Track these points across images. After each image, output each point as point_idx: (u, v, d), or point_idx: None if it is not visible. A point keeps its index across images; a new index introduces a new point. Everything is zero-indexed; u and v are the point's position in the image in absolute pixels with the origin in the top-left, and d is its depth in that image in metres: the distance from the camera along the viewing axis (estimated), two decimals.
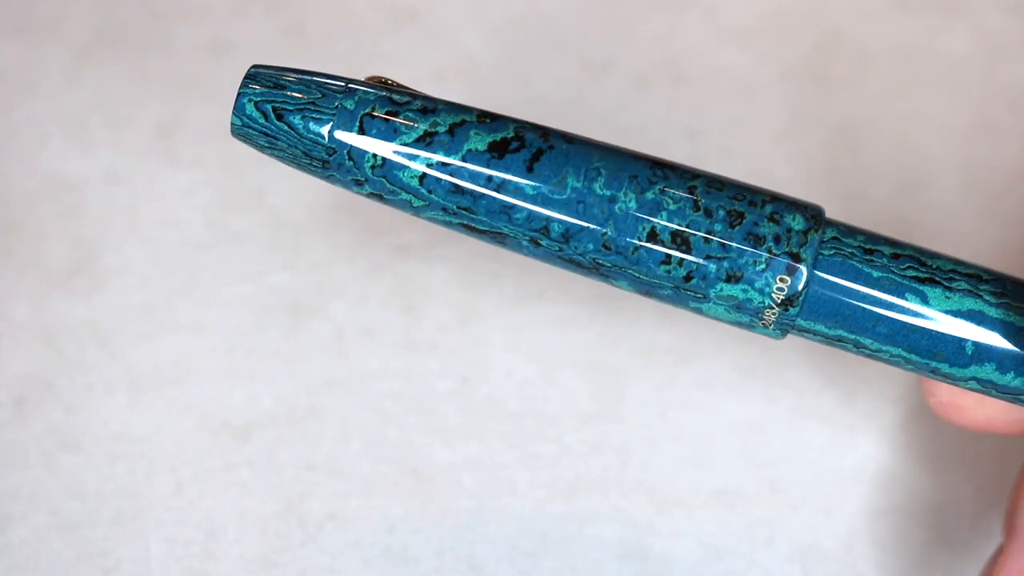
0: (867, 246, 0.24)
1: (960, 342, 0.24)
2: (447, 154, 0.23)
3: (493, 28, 0.37)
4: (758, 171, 0.35)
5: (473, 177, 0.23)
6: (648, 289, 0.24)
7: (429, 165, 0.23)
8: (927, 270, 0.24)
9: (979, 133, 0.36)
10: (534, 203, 0.23)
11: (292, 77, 0.24)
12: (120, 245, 0.34)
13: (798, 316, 0.23)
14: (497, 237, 0.24)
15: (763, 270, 0.23)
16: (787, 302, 0.23)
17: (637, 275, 0.23)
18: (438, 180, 0.23)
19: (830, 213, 0.25)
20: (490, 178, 0.23)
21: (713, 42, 0.37)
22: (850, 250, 0.24)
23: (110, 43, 0.37)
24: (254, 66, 0.24)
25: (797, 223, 0.24)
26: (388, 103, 0.23)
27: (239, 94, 0.23)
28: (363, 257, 0.34)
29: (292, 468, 0.32)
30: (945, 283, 0.24)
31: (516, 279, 0.34)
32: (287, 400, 0.33)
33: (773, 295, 0.23)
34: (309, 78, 0.24)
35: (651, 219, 0.23)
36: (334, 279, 0.34)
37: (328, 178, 0.24)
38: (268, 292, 0.34)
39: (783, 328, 0.24)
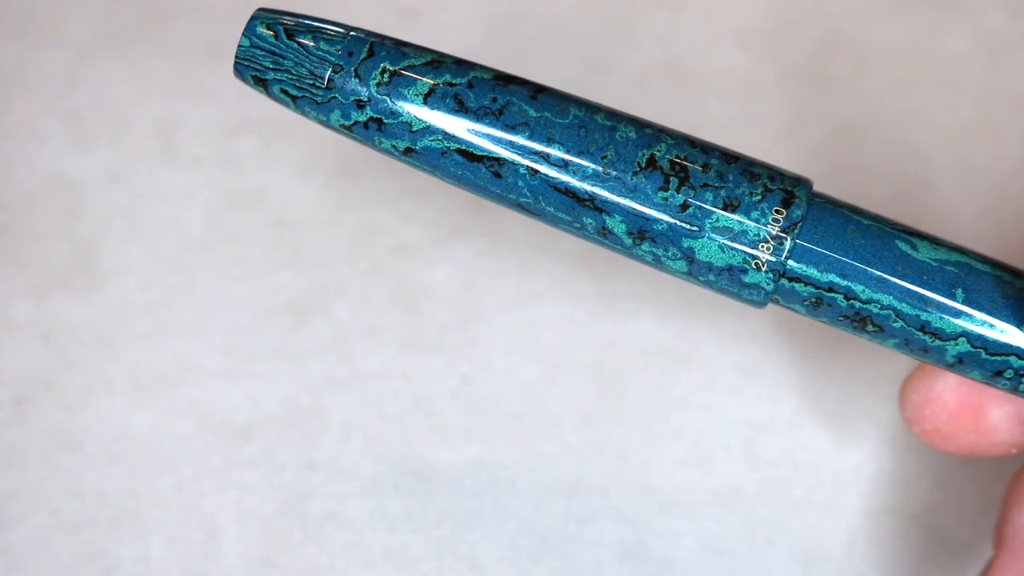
0: (854, 205, 0.25)
1: (950, 289, 0.24)
2: (453, 77, 0.24)
3: (493, 28, 0.37)
4: None
5: (478, 96, 0.24)
6: (642, 226, 0.24)
7: (435, 83, 0.24)
8: (913, 229, 0.25)
9: (979, 133, 0.36)
10: (536, 124, 0.24)
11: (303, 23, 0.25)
12: (120, 245, 0.34)
13: (791, 255, 0.24)
14: (494, 165, 0.24)
15: (759, 201, 0.24)
16: (782, 235, 0.24)
17: (634, 204, 0.24)
18: (443, 99, 0.24)
19: None
20: (495, 99, 0.24)
21: (713, 42, 0.37)
22: (839, 203, 0.25)
23: (110, 43, 0.37)
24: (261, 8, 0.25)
25: (788, 174, 0.24)
26: (399, 41, 0.25)
27: (251, 18, 0.24)
28: (363, 257, 0.34)
29: (293, 468, 0.32)
30: (931, 239, 0.25)
31: (517, 279, 0.34)
32: (288, 400, 0.33)
33: (769, 226, 0.24)
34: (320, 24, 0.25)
35: (651, 147, 0.24)
36: (335, 279, 0.34)
37: (328, 102, 0.24)
38: (269, 292, 0.34)
39: (775, 272, 0.24)
